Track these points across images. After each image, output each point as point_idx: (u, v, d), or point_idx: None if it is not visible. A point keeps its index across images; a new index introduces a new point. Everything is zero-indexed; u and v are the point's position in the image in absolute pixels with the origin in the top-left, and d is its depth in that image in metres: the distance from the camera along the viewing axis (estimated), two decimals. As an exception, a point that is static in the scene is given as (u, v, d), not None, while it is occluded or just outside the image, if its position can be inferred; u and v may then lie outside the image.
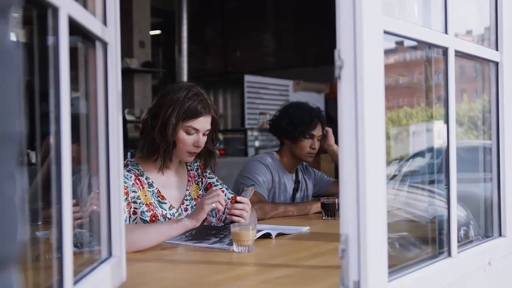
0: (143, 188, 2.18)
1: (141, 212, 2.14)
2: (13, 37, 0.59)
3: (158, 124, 2.15)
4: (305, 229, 2.35)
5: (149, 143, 2.19)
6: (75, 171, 1.10)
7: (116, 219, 1.38)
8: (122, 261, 1.41)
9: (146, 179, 2.21)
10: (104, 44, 1.34)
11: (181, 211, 2.27)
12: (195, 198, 2.34)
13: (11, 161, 0.56)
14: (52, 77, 1.01)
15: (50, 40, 1.02)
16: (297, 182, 3.14)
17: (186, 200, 2.32)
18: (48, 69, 1.02)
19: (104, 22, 1.35)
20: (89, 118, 1.37)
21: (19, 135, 0.58)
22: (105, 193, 1.37)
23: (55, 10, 1.00)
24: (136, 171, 2.19)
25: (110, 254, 1.37)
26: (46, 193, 1.10)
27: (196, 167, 2.41)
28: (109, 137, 1.36)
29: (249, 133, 7.59)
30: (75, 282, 1.08)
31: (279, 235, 2.17)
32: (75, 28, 1.12)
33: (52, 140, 1.02)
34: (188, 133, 2.18)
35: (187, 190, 2.33)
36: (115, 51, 1.38)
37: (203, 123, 2.20)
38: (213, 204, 1.98)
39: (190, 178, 2.37)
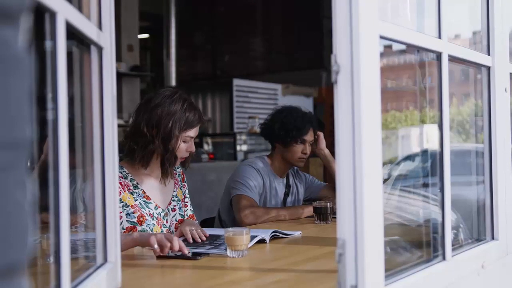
0: (125, 191, 2.22)
1: (126, 214, 2.19)
2: (23, 43, 0.59)
3: (160, 136, 2.21)
4: (298, 233, 2.35)
5: (150, 154, 2.24)
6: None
7: (112, 224, 1.37)
8: (118, 266, 1.40)
9: (130, 181, 2.26)
10: (100, 49, 1.34)
11: (168, 210, 2.35)
12: (181, 200, 2.43)
13: (22, 167, 0.56)
14: (50, 82, 1.00)
15: (47, 44, 1.01)
16: (288, 186, 3.14)
17: (174, 200, 2.40)
18: (45, 73, 1.02)
19: (99, 26, 1.34)
20: (84, 122, 1.36)
21: (29, 141, 0.58)
22: (100, 198, 1.36)
23: (53, 14, 0.99)
24: (120, 173, 2.21)
25: (105, 259, 1.36)
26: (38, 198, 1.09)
27: (178, 173, 2.49)
28: (105, 141, 1.35)
29: (238, 137, 7.56)
30: (72, 288, 1.08)
31: (274, 238, 2.18)
32: (70, 33, 1.11)
33: (49, 145, 1.01)
34: (184, 141, 2.28)
35: (174, 191, 2.41)
36: (110, 56, 1.37)
37: (197, 130, 2.32)
38: (155, 246, 1.82)
39: (176, 181, 2.45)
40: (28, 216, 0.56)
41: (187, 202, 2.50)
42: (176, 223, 2.36)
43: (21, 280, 0.54)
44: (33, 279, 1.22)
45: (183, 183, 2.49)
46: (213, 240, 2.13)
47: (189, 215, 2.44)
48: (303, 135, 2.98)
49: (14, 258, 0.53)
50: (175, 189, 2.42)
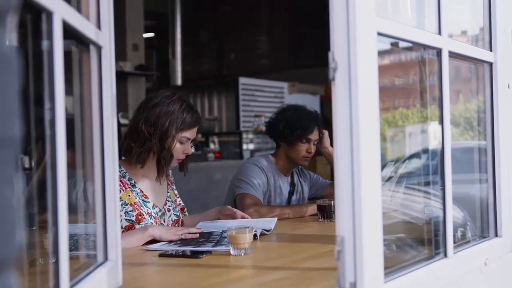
0: (126, 189, 2.26)
1: (125, 212, 2.22)
2: (10, 41, 0.59)
3: (157, 135, 2.25)
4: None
5: (146, 152, 2.27)
6: (70, 176, 1.10)
7: (112, 223, 1.37)
8: (118, 265, 1.40)
9: (128, 180, 2.30)
10: (98, 48, 1.34)
11: (165, 210, 2.39)
12: (174, 201, 2.47)
13: (10, 165, 0.56)
14: (47, 81, 1.00)
15: (44, 44, 1.02)
16: (292, 185, 3.14)
17: (168, 201, 2.44)
18: (42, 73, 1.02)
19: (98, 26, 1.34)
20: (84, 122, 1.36)
21: (18, 139, 0.58)
22: (101, 197, 1.36)
23: (49, 14, 0.99)
24: (118, 173, 2.23)
25: (106, 258, 1.36)
26: (40, 198, 1.10)
27: (170, 175, 2.54)
28: (104, 141, 1.36)
29: (244, 135, 7.56)
30: (72, 286, 1.08)
31: (264, 234, 2.21)
32: (69, 32, 1.11)
33: (47, 145, 1.02)
34: (181, 142, 2.31)
35: (168, 192, 2.46)
36: (109, 55, 1.37)
37: (195, 132, 2.35)
38: (182, 236, 2.13)
39: (169, 183, 2.49)
40: (17, 213, 0.56)
41: (179, 200, 2.53)
42: (172, 223, 2.39)
43: (9, 276, 0.55)
44: (33, 278, 1.23)
45: (173, 185, 2.53)
46: (208, 237, 2.13)
47: (174, 219, 2.45)
48: (308, 134, 2.97)
49: (2, 254, 0.54)
50: (168, 190, 2.46)
